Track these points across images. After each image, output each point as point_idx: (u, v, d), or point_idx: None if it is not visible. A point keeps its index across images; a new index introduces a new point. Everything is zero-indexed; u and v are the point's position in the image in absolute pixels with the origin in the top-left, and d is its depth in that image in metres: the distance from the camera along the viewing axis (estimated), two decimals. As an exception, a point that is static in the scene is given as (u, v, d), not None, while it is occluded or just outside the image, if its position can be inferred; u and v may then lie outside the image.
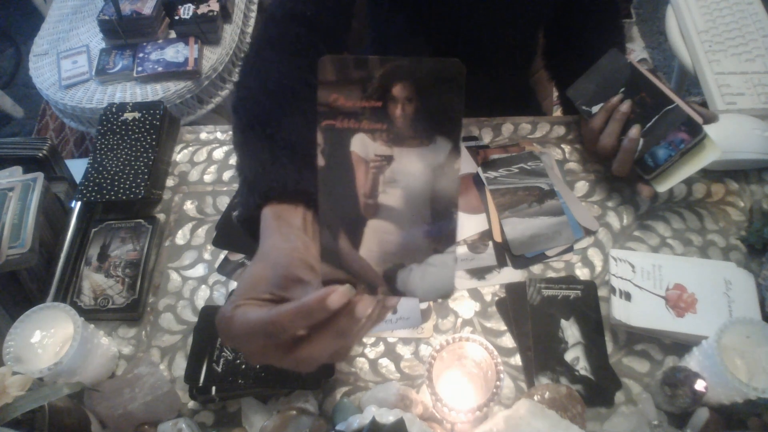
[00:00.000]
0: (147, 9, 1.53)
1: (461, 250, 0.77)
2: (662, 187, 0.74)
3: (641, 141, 0.74)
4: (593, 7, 0.88)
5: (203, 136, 0.92)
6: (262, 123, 0.58)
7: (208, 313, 0.69)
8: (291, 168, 0.53)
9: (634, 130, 0.73)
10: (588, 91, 0.79)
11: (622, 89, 0.76)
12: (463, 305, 0.74)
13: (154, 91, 1.49)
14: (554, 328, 0.70)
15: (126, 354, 0.72)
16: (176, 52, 1.51)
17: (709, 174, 0.82)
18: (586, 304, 0.71)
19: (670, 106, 0.73)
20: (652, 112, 0.74)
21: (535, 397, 0.62)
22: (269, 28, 0.68)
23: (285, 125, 0.57)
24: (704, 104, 0.94)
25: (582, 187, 0.83)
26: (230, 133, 0.91)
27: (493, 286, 0.75)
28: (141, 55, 1.52)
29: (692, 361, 0.63)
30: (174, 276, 0.78)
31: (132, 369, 0.67)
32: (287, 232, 0.50)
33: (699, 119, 0.71)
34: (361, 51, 1.10)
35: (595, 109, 0.78)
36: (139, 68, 1.50)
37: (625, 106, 0.75)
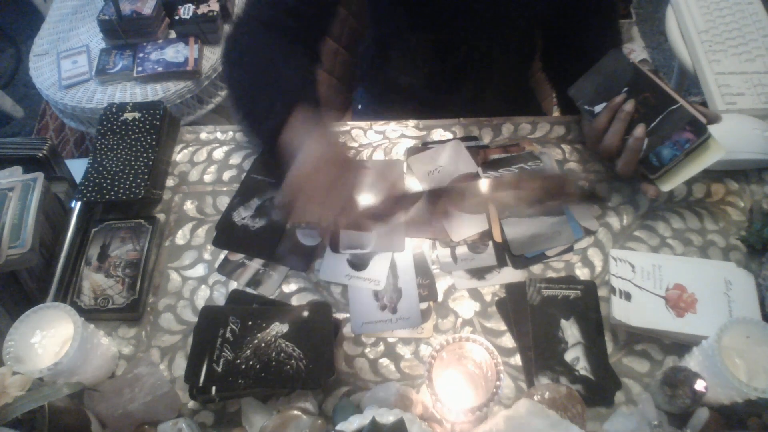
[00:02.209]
0: (147, 9, 1.53)
1: (461, 250, 0.77)
2: (666, 187, 0.75)
3: (646, 140, 0.74)
4: (590, 9, 0.88)
5: (203, 136, 0.92)
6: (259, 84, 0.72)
7: (208, 313, 0.69)
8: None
9: (640, 129, 0.73)
10: (590, 90, 0.79)
11: (625, 89, 0.76)
12: (463, 305, 0.74)
13: (154, 91, 1.49)
14: (554, 328, 0.70)
15: (126, 354, 0.72)
16: (176, 52, 1.51)
17: (709, 174, 0.82)
18: (586, 304, 0.71)
19: (674, 106, 0.73)
20: (656, 112, 0.74)
21: (535, 397, 0.62)
22: (253, 8, 0.79)
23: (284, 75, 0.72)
24: (704, 104, 0.94)
25: (582, 187, 0.83)
26: (230, 133, 0.92)
27: (493, 286, 0.75)
28: (141, 55, 1.52)
29: (692, 361, 0.63)
30: (174, 276, 0.78)
31: (132, 369, 0.67)
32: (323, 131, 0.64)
33: (703, 119, 0.71)
34: (361, 49, 1.09)
35: (597, 108, 0.78)
36: (139, 68, 1.50)
37: (630, 106, 0.74)
